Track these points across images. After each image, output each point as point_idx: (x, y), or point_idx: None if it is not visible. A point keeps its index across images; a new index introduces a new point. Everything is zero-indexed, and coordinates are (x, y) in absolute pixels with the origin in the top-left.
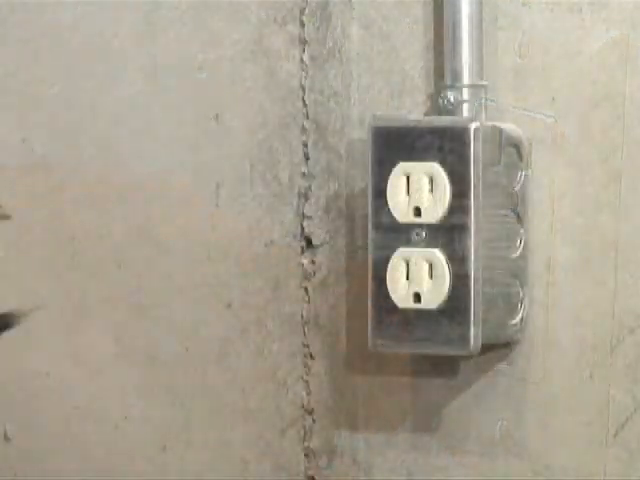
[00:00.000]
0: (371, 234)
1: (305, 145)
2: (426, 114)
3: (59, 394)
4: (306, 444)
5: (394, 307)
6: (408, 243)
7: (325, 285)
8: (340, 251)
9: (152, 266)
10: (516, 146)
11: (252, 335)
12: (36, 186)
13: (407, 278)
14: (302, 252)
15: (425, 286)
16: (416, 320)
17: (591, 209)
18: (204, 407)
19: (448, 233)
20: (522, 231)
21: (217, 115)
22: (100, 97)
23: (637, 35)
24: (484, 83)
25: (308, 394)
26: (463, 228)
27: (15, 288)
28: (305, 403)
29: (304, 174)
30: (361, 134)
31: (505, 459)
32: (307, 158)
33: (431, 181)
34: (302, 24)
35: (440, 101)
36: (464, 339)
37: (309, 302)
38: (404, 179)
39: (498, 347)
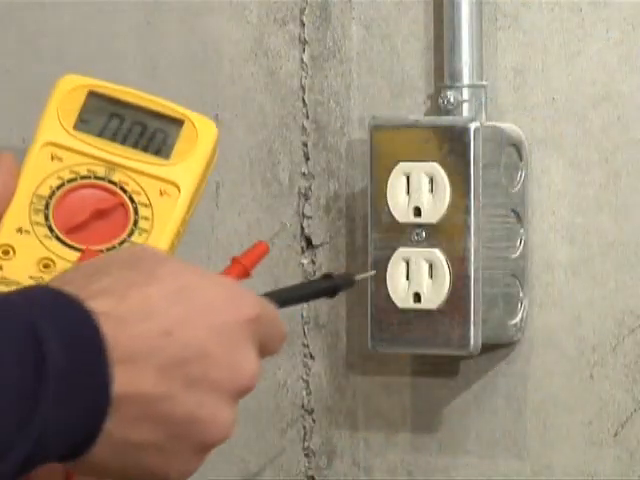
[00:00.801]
0: (371, 234)
1: (305, 145)
2: (426, 114)
3: None
4: (306, 444)
5: (394, 307)
6: (408, 243)
7: None
8: (340, 251)
9: None
10: (516, 146)
11: None
12: None
13: (407, 278)
14: (302, 252)
15: (425, 286)
16: (416, 320)
17: (591, 209)
18: None
19: (448, 233)
20: (522, 231)
21: (217, 115)
22: None
23: (637, 35)
24: (484, 83)
25: (308, 394)
26: (463, 228)
27: None
28: (305, 403)
29: (304, 174)
30: (361, 134)
31: (505, 459)
32: (307, 158)
33: (431, 181)
34: (302, 24)
35: (440, 101)
36: (464, 339)
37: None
38: (404, 179)
39: (498, 347)
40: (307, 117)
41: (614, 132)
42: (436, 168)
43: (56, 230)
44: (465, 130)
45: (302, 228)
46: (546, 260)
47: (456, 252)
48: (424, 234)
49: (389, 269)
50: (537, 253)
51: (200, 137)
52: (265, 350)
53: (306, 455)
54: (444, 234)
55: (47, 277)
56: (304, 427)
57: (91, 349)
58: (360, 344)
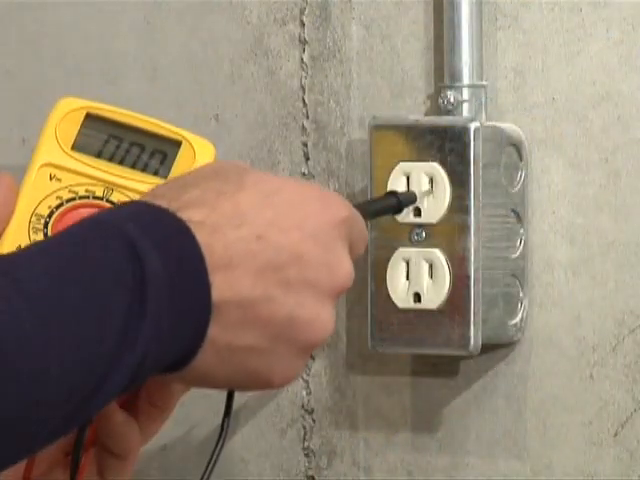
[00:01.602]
0: (371, 234)
1: (305, 145)
2: (426, 114)
3: None
4: (306, 444)
5: (394, 307)
6: (408, 243)
7: None
8: None
9: None
10: (516, 146)
11: None
12: None
13: (407, 278)
14: None
15: (425, 286)
16: (416, 320)
17: (591, 209)
18: (204, 407)
19: (448, 233)
20: (522, 231)
21: (217, 115)
22: (100, 97)
23: (637, 35)
24: (484, 83)
25: (308, 394)
26: (463, 228)
27: None
28: (305, 403)
29: (304, 174)
30: (361, 134)
31: (505, 459)
32: (307, 158)
33: (431, 181)
34: (302, 24)
35: (440, 101)
36: (464, 339)
37: None
38: (404, 179)
39: (498, 347)
40: (307, 117)
41: (614, 132)
42: (436, 168)
43: None
44: (465, 130)
45: None
46: (546, 260)
47: (456, 252)
48: (424, 234)
49: (389, 269)
50: (537, 253)
51: (198, 158)
52: (352, 251)
53: (306, 455)
54: (444, 234)
55: None
56: (304, 427)
57: (189, 258)
58: (360, 344)
